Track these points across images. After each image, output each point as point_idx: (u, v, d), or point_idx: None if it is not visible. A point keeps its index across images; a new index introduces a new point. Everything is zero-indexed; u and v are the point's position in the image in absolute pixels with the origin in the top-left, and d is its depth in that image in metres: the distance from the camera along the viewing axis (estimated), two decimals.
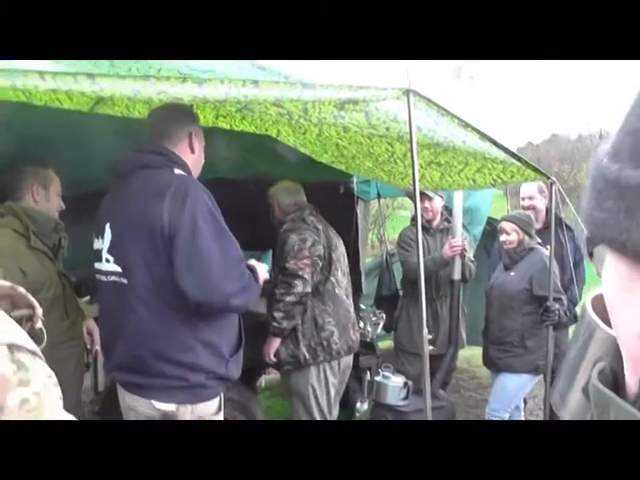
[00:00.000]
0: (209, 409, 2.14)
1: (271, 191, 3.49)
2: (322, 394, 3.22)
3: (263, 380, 4.26)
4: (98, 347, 2.96)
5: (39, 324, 0.81)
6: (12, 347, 0.69)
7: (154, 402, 2.04)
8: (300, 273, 3.08)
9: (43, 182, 2.58)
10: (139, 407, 2.08)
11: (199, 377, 2.08)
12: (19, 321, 0.79)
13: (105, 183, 2.30)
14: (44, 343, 0.82)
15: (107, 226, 2.10)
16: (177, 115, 2.20)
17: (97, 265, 2.16)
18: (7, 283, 0.81)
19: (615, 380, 0.50)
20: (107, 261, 2.10)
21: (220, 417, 2.20)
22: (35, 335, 0.80)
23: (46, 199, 2.59)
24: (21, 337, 0.73)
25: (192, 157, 2.21)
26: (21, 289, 0.81)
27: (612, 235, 0.42)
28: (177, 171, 2.09)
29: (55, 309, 2.49)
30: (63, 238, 2.63)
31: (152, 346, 2.03)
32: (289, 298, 3.07)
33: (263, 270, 2.28)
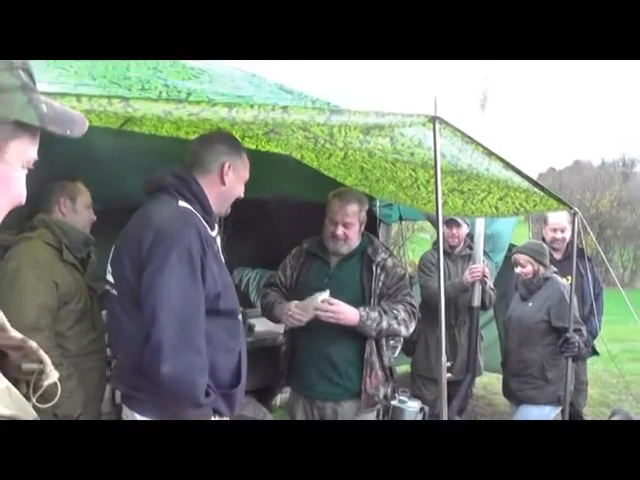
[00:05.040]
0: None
1: (362, 200, 3.02)
2: None
3: (278, 399, 4.26)
4: None
5: (47, 382, 0.81)
6: None
7: (135, 413, 2.02)
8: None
9: (70, 194, 2.61)
10: (124, 416, 2.10)
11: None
12: (29, 374, 0.80)
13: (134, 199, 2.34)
14: (56, 399, 0.82)
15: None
16: (212, 145, 2.14)
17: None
18: (19, 335, 0.81)
19: None
20: (109, 272, 2.10)
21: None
22: (45, 390, 0.81)
23: (73, 211, 2.61)
24: None
25: (221, 189, 2.14)
26: (32, 343, 0.82)
27: None
28: (181, 203, 2.03)
29: (83, 321, 2.54)
30: (92, 252, 2.66)
31: (132, 358, 1.97)
32: (404, 330, 2.91)
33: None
